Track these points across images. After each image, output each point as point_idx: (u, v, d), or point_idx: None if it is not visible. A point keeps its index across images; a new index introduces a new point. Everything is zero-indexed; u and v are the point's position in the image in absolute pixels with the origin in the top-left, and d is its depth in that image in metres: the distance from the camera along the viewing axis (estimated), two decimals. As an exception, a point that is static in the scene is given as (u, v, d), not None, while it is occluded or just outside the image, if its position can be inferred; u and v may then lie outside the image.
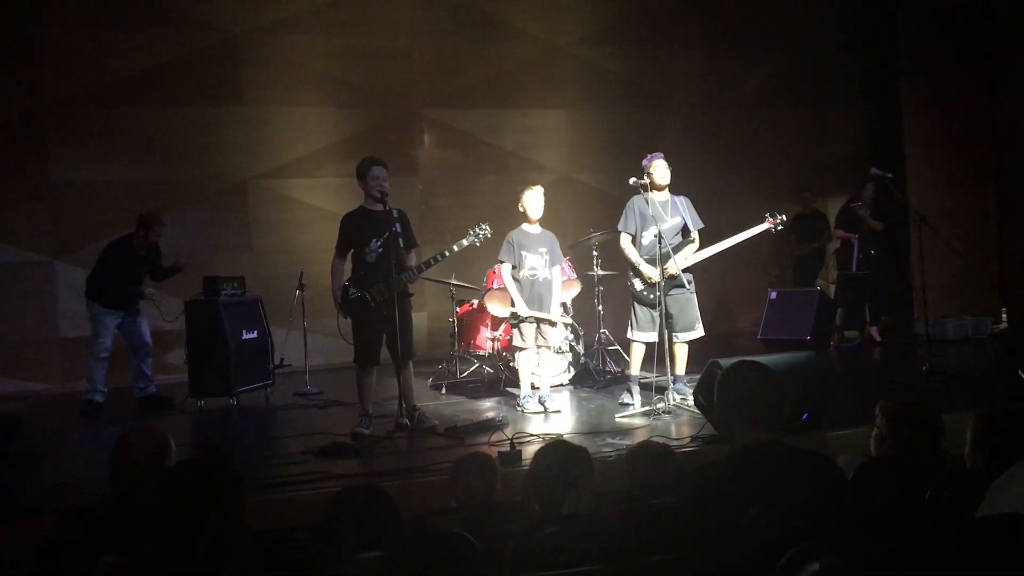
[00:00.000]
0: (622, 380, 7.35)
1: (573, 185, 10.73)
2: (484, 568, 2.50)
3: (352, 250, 6.20)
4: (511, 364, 7.56)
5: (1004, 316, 11.25)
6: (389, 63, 10.22)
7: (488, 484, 3.65)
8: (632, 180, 6.44)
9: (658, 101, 11.25)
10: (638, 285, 6.66)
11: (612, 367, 8.18)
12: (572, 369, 7.98)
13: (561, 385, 7.79)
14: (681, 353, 6.75)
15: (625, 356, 7.20)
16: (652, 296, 6.54)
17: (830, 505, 2.79)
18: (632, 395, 6.68)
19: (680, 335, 6.64)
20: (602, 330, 8.31)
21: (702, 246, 6.74)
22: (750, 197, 10.33)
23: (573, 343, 7.98)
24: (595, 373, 8.00)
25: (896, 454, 3.28)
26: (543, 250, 6.76)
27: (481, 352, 8.13)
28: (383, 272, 5.95)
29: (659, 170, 6.63)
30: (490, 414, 6.64)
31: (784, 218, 6.96)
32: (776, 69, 11.66)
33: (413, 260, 6.22)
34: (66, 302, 9.02)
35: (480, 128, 10.63)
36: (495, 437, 5.63)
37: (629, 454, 3.84)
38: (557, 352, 7.63)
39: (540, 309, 6.71)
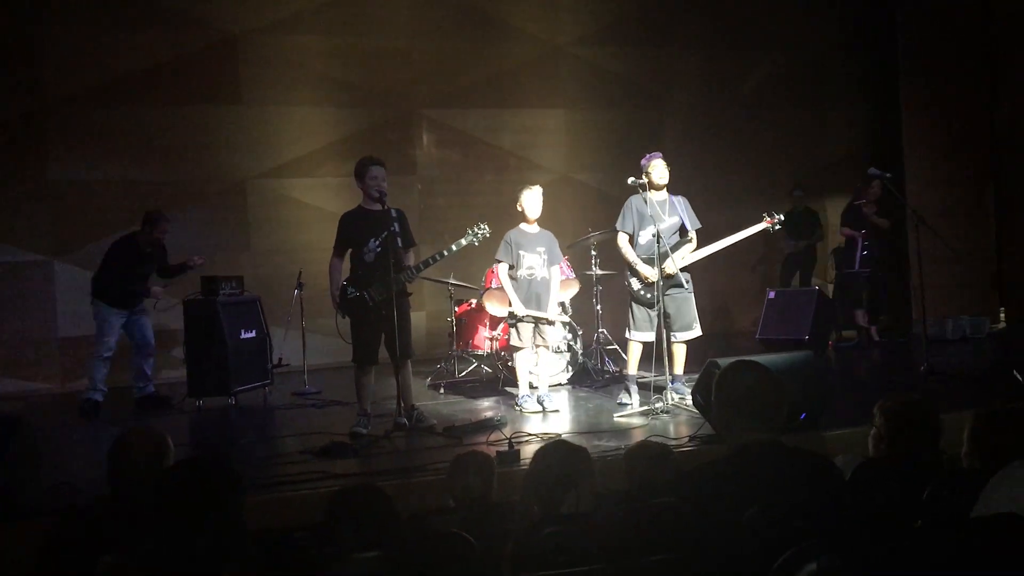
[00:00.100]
0: (620, 380, 7.35)
1: (572, 185, 10.73)
2: (483, 568, 2.50)
3: (350, 250, 6.20)
4: (509, 364, 7.57)
5: (1002, 316, 11.26)
6: (388, 63, 10.21)
7: (485, 483, 3.66)
8: (630, 180, 6.45)
9: (657, 101, 11.25)
10: (635, 285, 6.66)
11: (610, 367, 8.19)
12: (570, 369, 7.98)
13: (559, 385, 7.79)
14: (679, 353, 6.76)
15: (623, 355, 7.20)
16: (649, 296, 6.55)
17: (828, 505, 2.79)
18: (630, 395, 6.68)
19: (678, 335, 6.64)
20: (600, 330, 8.32)
21: (700, 246, 6.74)
22: (750, 197, 10.35)
23: (571, 343, 7.98)
24: (593, 373, 8.01)
25: (894, 454, 3.29)
26: (541, 249, 6.76)
27: (479, 352, 8.13)
28: (381, 271, 5.95)
29: (657, 170, 6.64)
30: (488, 413, 6.64)
31: (782, 217, 6.96)
32: (776, 69, 11.66)
33: (411, 259, 6.22)
34: (65, 302, 9.02)
35: (479, 128, 10.63)
36: (493, 436, 5.63)
37: (627, 454, 3.83)
38: (555, 352, 7.63)
39: (538, 308, 6.71)
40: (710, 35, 11.38)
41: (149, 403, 7.65)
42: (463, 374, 8.28)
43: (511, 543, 2.69)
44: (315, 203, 9.79)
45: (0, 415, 4.77)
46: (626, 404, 6.59)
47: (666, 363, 6.43)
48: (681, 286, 6.63)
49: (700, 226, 6.78)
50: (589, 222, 8.75)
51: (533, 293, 6.73)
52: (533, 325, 6.70)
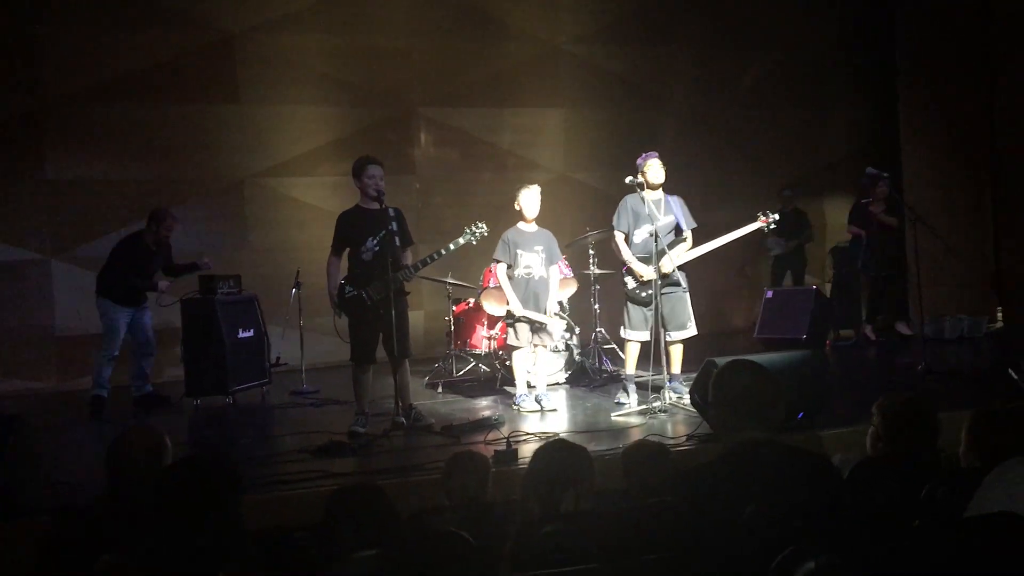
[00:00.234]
0: (618, 379, 7.36)
1: (570, 184, 10.72)
2: (481, 567, 2.50)
3: (348, 249, 6.20)
4: (507, 363, 7.57)
5: (1000, 315, 11.27)
6: (387, 62, 10.20)
7: (480, 482, 3.66)
8: (628, 179, 6.48)
9: (656, 100, 11.24)
10: (630, 283, 6.67)
11: (608, 366, 8.19)
12: (568, 368, 7.99)
13: (557, 384, 7.79)
14: (676, 352, 6.76)
15: (621, 355, 7.21)
16: (644, 294, 6.56)
17: (826, 504, 2.80)
18: (628, 394, 6.69)
19: (673, 334, 6.64)
20: (598, 329, 8.32)
21: (695, 245, 6.75)
22: (749, 196, 10.31)
23: (569, 342, 7.99)
24: (591, 372, 8.01)
25: (892, 453, 3.29)
26: (539, 248, 6.76)
27: (477, 351, 8.13)
28: (379, 271, 5.95)
29: (653, 169, 6.65)
30: (486, 413, 6.63)
31: (777, 217, 6.97)
32: (774, 68, 11.66)
33: (409, 258, 6.22)
34: (63, 301, 9.01)
35: (477, 127, 10.62)
36: (491, 436, 5.64)
37: (625, 453, 3.84)
38: (554, 351, 7.64)
39: (536, 308, 6.71)
40: (709, 34, 11.37)
41: (147, 402, 7.64)
42: (461, 373, 8.28)
43: (510, 542, 2.69)
44: (313, 202, 9.79)
45: (-2, 414, 4.76)
46: (624, 403, 6.59)
47: (664, 362, 6.43)
48: (677, 285, 6.64)
49: (695, 225, 6.79)
50: (587, 221, 8.75)
51: (531, 292, 6.73)
52: (531, 324, 6.70)
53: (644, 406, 6.29)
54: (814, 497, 2.80)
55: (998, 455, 2.89)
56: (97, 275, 7.63)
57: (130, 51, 9.31)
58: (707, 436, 5.28)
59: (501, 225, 6.85)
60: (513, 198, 6.85)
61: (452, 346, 8.26)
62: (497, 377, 7.92)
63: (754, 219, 6.86)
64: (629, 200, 6.71)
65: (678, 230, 6.74)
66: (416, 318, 8.62)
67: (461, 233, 6.34)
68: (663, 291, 6.50)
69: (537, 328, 6.73)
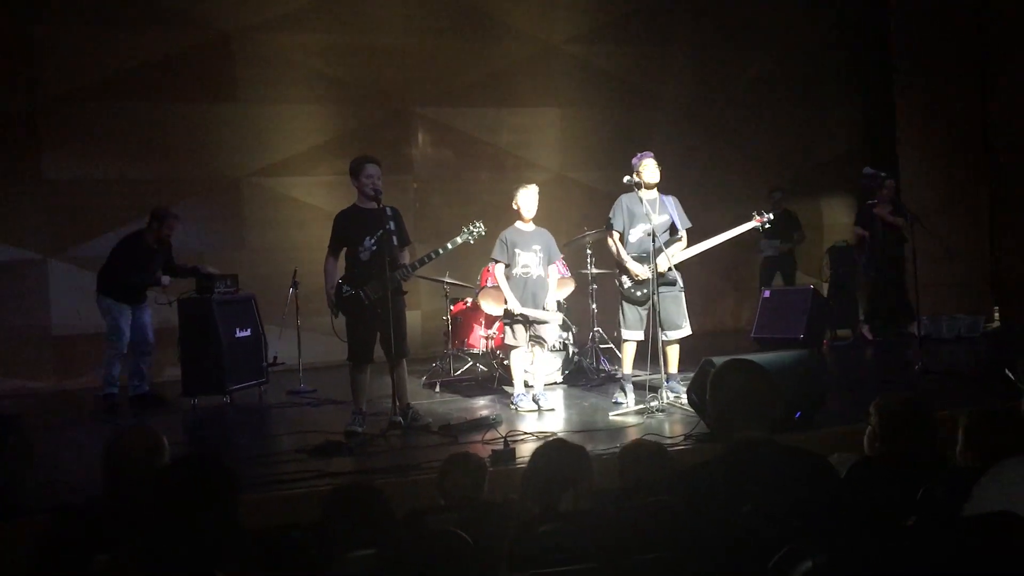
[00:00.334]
0: (615, 378, 7.36)
1: (567, 183, 10.72)
2: (479, 566, 2.50)
3: (345, 248, 6.20)
4: (505, 362, 7.57)
5: (997, 315, 11.28)
6: (384, 61, 10.20)
7: (475, 483, 3.66)
8: (625, 179, 6.49)
9: (653, 100, 11.24)
10: (625, 283, 6.67)
11: (605, 365, 8.19)
12: (566, 367, 7.98)
13: (555, 383, 7.80)
14: (673, 351, 6.76)
15: (618, 354, 7.21)
16: (639, 294, 6.57)
17: (823, 503, 2.80)
18: (625, 393, 6.69)
19: (668, 333, 6.63)
20: (596, 328, 8.32)
21: (690, 244, 6.75)
22: (744, 196, 10.31)
23: (567, 341, 7.99)
24: (588, 371, 8.02)
25: (890, 453, 3.29)
26: (537, 248, 6.76)
27: (475, 350, 8.13)
28: (377, 270, 5.94)
29: (648, 169, 6.65)
30: (484, 412, 6.64)
31: (771, 217, 6.98)
32: (771, 68, 11.65)
33: (407, 258, 6.23)
34: (61, 300, 8.99)
35: (474, 126, 10.62)
36: (489, 435, 5.64)
37: (622, 452, 3.83)
38: (551, 350, 7.64)
39: (534, 307, 6.71)
40: (706, 35, 11.37)
41: (143, 402, 7.63)
42: (459, 373, 8.28)
43: (508, 541, 2.69)
44: (311, 201, 9.78)
45: (-5, 414, 4.76)
46: (621, 403, 6.59)
47: (661, 362, 6.43)
48: (671, 284, 6.63)
49: (690, 225, 6.80)
50: (584, 221, 8.75)
51: (529, 292, 6.73)
52: (529, 323, 6.70)
53: (641, 406, 6.29)
54: (812, 497, 2.80)
55: (995, 454, 2.90)
56: (98, 273, 7.63)
57: (129, 51, 9.29)
58: (705, 436, 5.29)
59: (499, 225, 6.85)
60: (511, 197, 6.84)
61: (450, 346, 8.25)
62: (495, 377, 7.92)
63: (749, 219, 6.87)
64: (624, 199, 6.71)
65: (673, 229, 6.75)
66: (414, 318, 8.61)
67: (459, 232, 6.34)
68: (659, 290, 6.51)
69: (536, 327, 6.72)
